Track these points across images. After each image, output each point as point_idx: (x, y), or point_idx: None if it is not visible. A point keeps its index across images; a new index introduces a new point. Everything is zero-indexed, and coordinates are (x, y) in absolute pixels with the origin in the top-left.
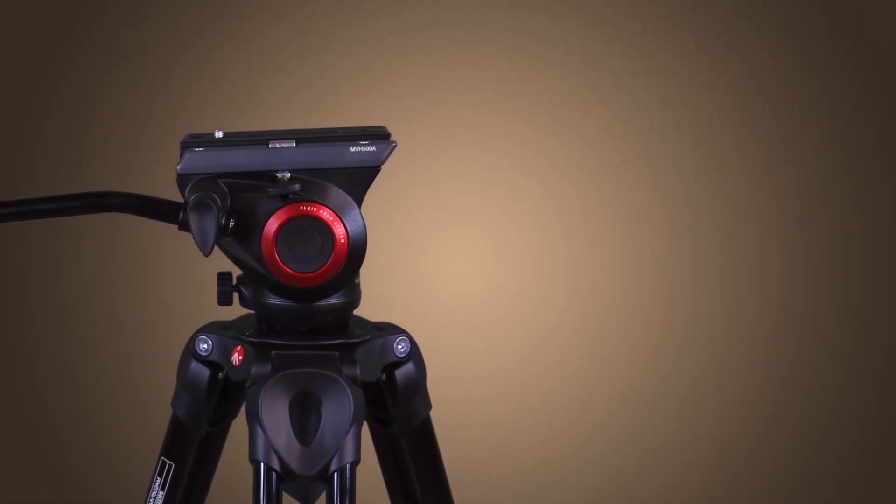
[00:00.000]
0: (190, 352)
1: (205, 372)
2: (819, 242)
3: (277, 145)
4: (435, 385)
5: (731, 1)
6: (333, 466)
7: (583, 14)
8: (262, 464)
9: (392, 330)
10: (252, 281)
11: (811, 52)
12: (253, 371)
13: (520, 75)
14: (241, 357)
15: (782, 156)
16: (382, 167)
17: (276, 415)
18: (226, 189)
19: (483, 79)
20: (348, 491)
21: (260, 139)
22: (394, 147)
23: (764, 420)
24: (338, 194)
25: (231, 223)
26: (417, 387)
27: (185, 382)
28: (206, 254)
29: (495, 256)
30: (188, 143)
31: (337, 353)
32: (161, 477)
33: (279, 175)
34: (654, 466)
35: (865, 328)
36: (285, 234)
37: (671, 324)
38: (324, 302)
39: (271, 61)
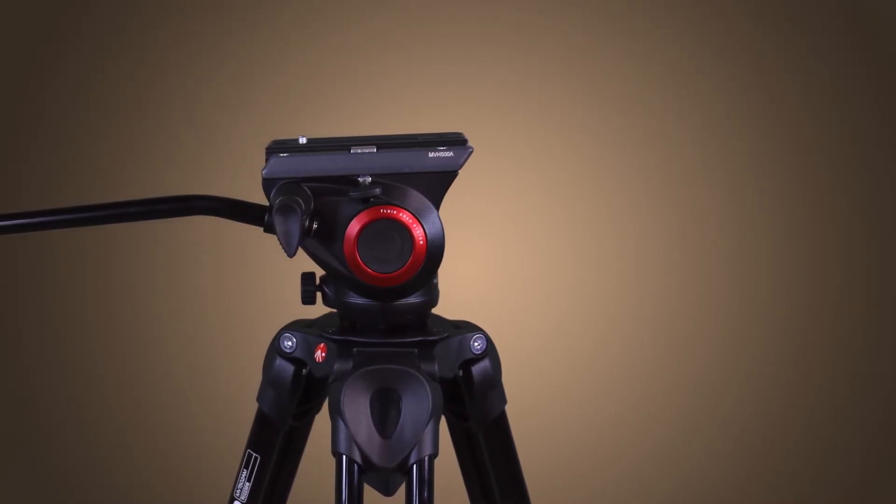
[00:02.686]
0: (275, 349)
1: (289, 368)
2: (827, 244)
3: (359, 151)
4: None
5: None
6: (412, 459)
7: (588, 15)
8: (343, 456)
9: (469, 328)
10: (334, 281)
11: (817, 52)
12: (335, 367)
13: (526, 76)
14: (323, 354)
15: (791, 159)
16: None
17: (358, 409)
18: (309, 193)
19: (492, 79)
20: (427, 482)
21: (342, 145)
22: (471, 152)
23: (773, 419)
24: (417, 198)
25: (314, 225)
26: (493, 382)
27: (270, 378)
28: (291, 255)
29: (499, 257)
30: (273, 149)
31: (416, 350)
32: (247, 469)
33: (360, 179)
34: (659, 467)
35: (874, 329)
36: (366, 236)
37: (677, 323)
38: (403, 301)
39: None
